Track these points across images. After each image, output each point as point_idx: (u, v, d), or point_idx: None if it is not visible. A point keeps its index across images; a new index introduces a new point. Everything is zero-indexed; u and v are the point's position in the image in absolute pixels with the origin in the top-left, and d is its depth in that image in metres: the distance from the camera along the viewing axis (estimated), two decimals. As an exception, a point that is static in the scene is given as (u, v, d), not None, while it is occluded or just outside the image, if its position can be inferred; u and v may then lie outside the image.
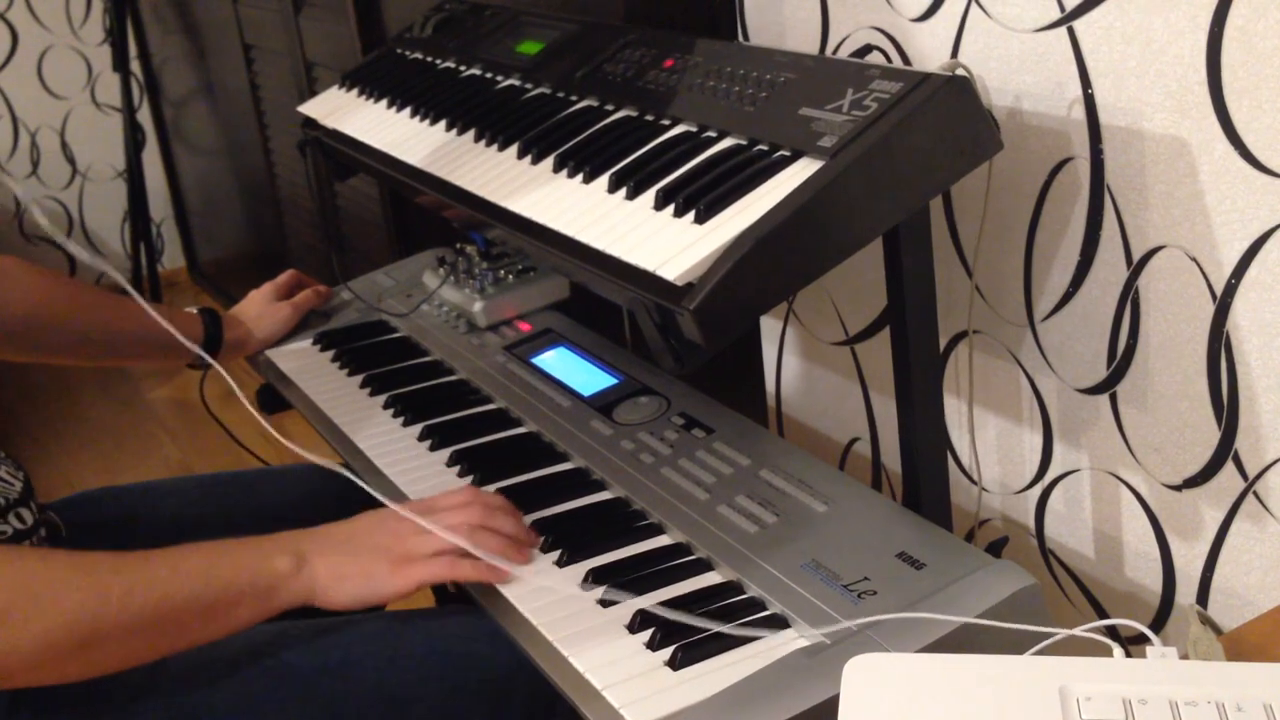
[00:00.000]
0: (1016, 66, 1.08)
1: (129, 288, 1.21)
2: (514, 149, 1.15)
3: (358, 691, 1.03)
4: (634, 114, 1.12)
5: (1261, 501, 1.00)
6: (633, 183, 1.00)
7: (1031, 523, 1.24)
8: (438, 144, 1.25)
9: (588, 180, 1.05)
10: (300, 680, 1.03)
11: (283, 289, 1.51)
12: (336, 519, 1.04)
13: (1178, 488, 1.07)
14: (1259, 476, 1.00)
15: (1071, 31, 1.02)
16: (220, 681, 1.02)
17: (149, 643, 0.93)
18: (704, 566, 0.99)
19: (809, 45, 1.30)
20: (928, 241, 0.98)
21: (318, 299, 1.53)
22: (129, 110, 3.50)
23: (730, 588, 0.96)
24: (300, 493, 1.37)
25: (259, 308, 1.48)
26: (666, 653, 0.87)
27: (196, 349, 1.25)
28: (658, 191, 0.97)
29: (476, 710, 1.05)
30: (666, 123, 1.08)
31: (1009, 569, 0.90)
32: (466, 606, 1.08)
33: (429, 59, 1.45)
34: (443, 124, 1.27)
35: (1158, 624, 1.13)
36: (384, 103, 1.39)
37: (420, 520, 1.00)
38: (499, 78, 1.31)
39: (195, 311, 1.41)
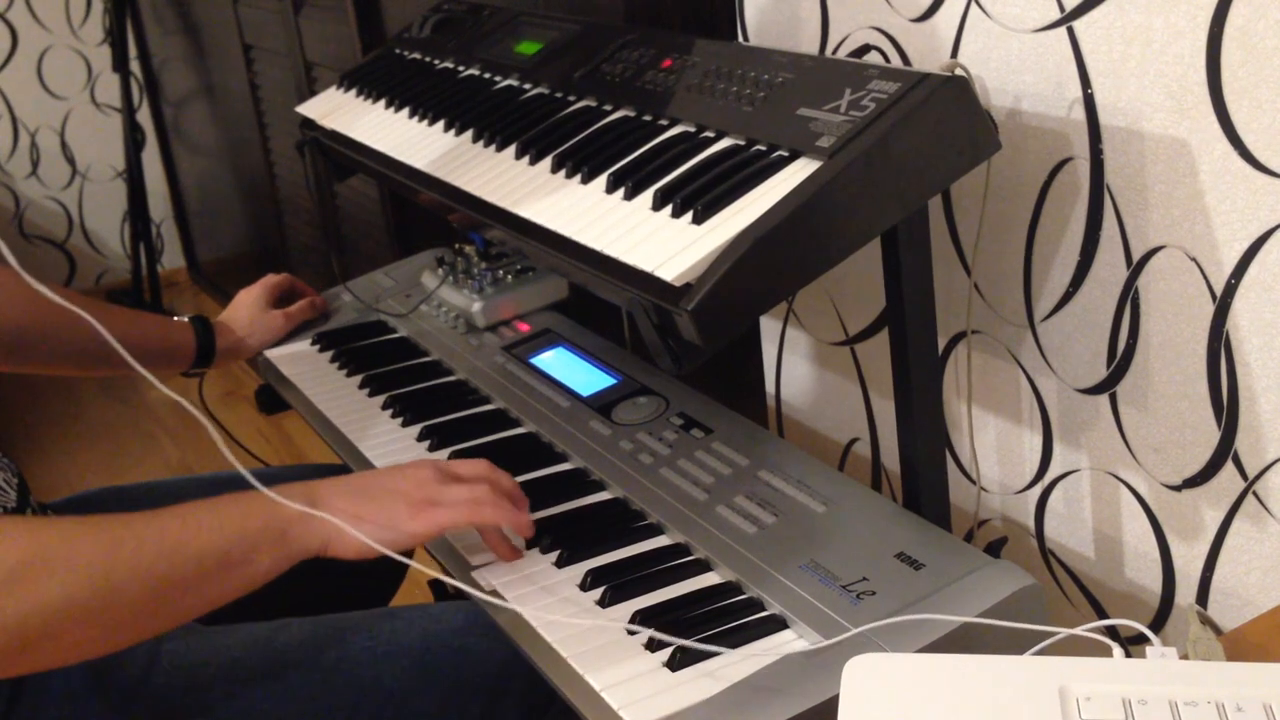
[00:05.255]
0: (1016, 66, 1.08)
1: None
2: (512, 149, 1.15)
3: (355, 688, 1.03)
4: (632, 114, 1.12)
5: (1261, 501, 1.00)
6: (631, 183, 1.00)
7: (1031, 523, 1.24)
8: (436, 144, 1.25)
9: (586, 180, 1.05)
10: (297, 677, 1.03)
11: (274, 291, 1.49)
12: None
13: (1178, 488, 1.06)
14: (1259, 476, 0.99)
15: (1071, 31, 1.02)
16: (216, 677, 1.02)
17: (171, 599, 0.90)
18: (703, 567, 0.99)
19: (809, 45, 1.30)
20: (926, 241, 0.98)
21: (312, 312, 1.52)
22: (129, 110, 3.50)
23: (729, 588, 0.96)
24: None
25: (251, 315, 1.46)
26: (665, 653, 0.87)
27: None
28: (656, 192, 0.97)
29: (473, 706, 1.05)
30: (665, 123, 1.08)
31: (1008, 569, 0.90)
32: (464, 603, 1.08)
33: (428, 59, 1.44)
34: (441, 124, 1.27)
35: (1158, 624, 1.13)
36: (382, 103, 1.39)
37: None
38: (498, 78, 1.31)
39: (186, 320, 1.40)
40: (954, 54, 1.13)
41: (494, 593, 0.98)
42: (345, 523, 0.94)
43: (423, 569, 0.97)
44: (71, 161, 3.67)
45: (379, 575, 1.36)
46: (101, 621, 0.87)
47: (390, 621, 1.09)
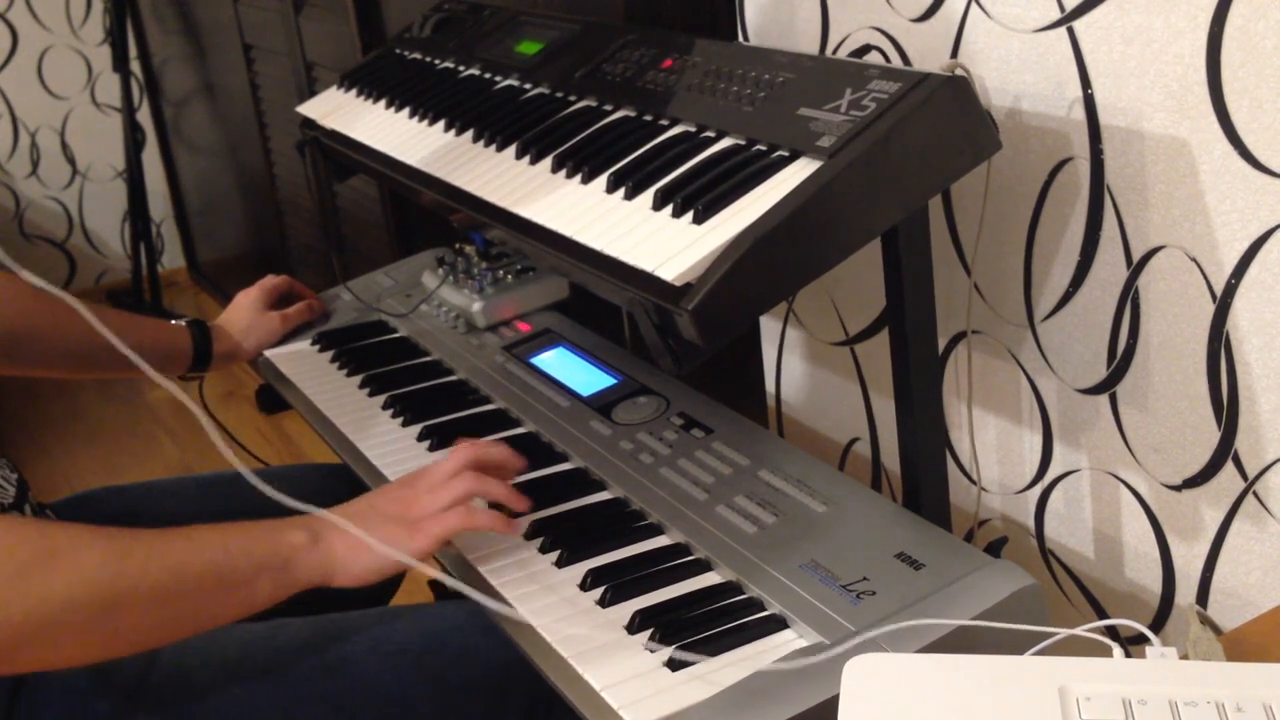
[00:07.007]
0: (1016, 66, 1.08)
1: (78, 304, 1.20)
2: (512, 149, 1.15)
3: (355, 688, 1.03)
4: (633, 114, 1.12)
5: (1261, 501, 1.00)
6: (631, 183, 1.00)
7: (1031, 523, 1.24)
8: (436, 144, 1.25)
9: (586, 180, 1.05)
10: (297, 677, 1.03)
11: (272, 294, 1.49)
12: None
13: (1178, 488, 1.06)
14: (1259, 476, 0.99)
15: (1071, 31, 1.02)
16: (216, 680, 1.02)
17: (171, 613, 0.91)
18: (703, 567, 0.99)
19: (809, 45, 1.30)
20: (927, 241, 0.98)
21: (310, 314, 1.52)
22: (129, 110, 3.50)
23: (729, 588, 0.96)
24: (301, 493, 1.37)
25: (248, 318, 1.46)
26: (665, 653, 0.87)
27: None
28: (656, 191, 0.97)
29: (474, 706, 1.05)
30: (665, 123, 1.08)
31: (1009, 569, 0.90)
32: (465, 602, 1.08)
33: (428, 59, 1.45)
34: (441, 124, 1.27)
35: (1158, 624, 1.13)
36: (383, 103, 1.39)
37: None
38: (498, 78, 1.31)
39: (183, 324, 1.40)
40: (954, 54, 1.13)
41: (495, 593, 0.98)
42: (346, 555, 0.98)
43: (423, 568, 0.97)
44: (72, 161, 3.67)
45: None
46: (100, 629, 0.88)
47: (390, 621, 1.09)
